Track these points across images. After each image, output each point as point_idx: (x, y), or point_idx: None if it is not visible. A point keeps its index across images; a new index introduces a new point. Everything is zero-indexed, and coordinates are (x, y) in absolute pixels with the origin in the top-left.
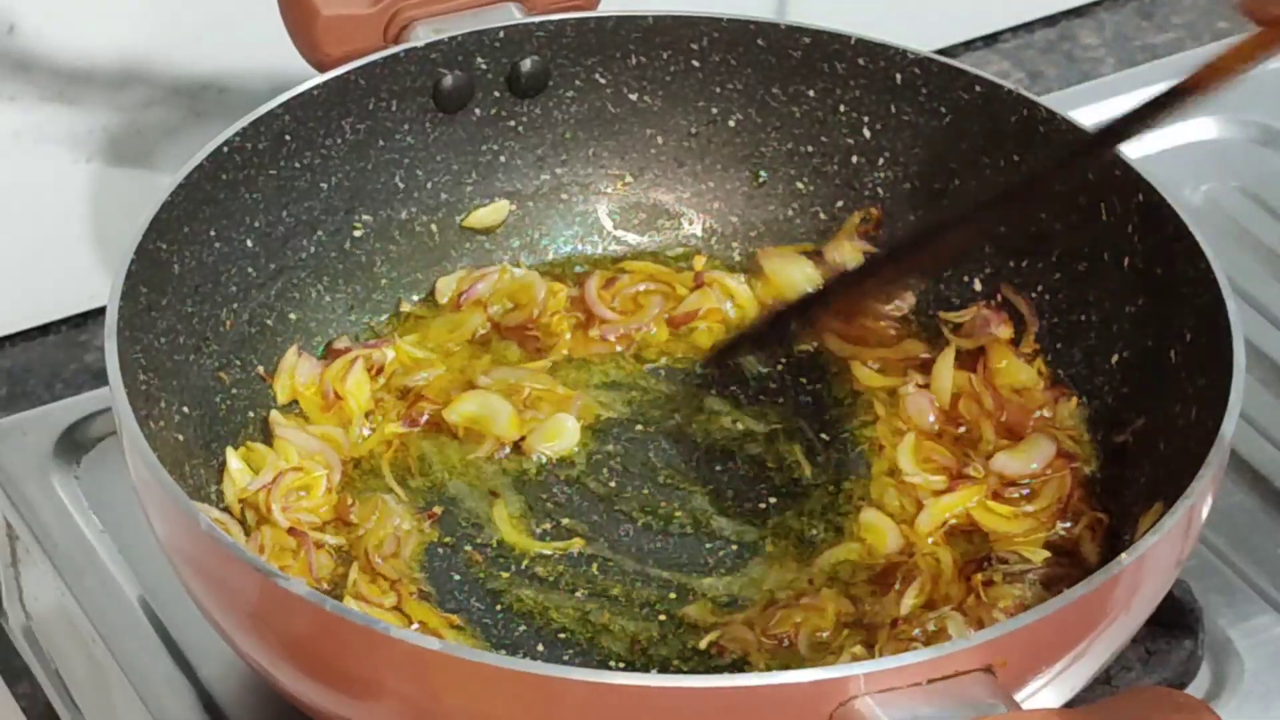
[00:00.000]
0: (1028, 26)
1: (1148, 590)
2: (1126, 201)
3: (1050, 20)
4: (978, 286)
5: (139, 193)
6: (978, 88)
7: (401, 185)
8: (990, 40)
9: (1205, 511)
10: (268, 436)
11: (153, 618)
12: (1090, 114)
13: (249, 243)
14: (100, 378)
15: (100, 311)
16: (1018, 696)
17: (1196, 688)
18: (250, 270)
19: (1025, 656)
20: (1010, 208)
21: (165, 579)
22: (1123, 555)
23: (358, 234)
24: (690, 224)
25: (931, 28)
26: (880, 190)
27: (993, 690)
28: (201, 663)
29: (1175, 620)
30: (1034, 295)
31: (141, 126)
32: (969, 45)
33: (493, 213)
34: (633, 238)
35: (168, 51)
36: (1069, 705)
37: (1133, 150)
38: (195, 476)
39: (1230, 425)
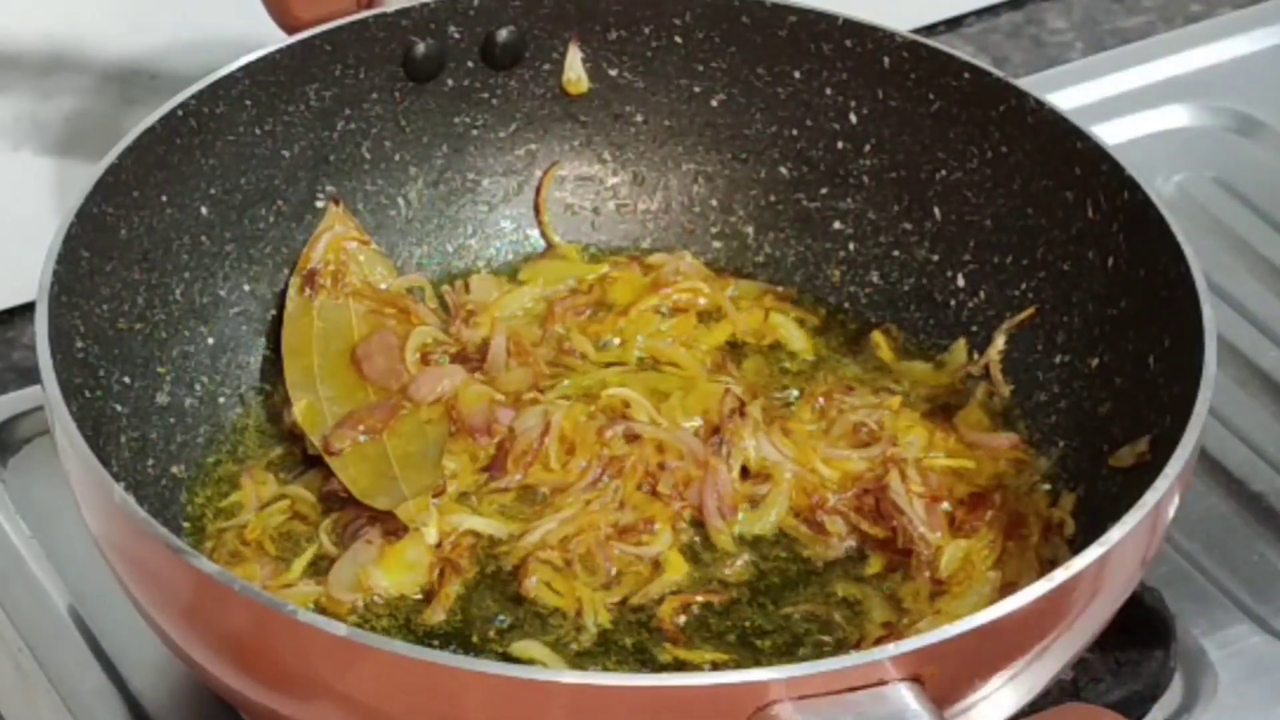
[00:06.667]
0: (993, 9)
1: (1100, 603)
2: (1113, 199)
3: (1016, 3)
4: (960, 282)
5: (69, 183)
6: (967, 75)
7: (368, 156)
8: (954, 24)
9: (1170, 517)
10: (213, 415)
11: (82, 626)
12: (1058, 101)
13: (204, 210)
14: (28, 378)
15: (29, 308)
16: (956, 707)
17: (1169, 700)
18: (204, 239)
19: (956, 668)
20: None
21: (95, 586)
22: (1056, 571)
23: (320, 206)
24: (669, 208)
25: (895, 10)
26: (865, 178)
27: (919, 701)
28: (132, 673)
29: (1146, 630)
30: (1017, 293)
31: (70, 114)
32: (932, 29)
33: None
34: (607, 220)
35: (97, 36)
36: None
37: (1105, 140)
38: (129, 449)
39: (1195, 433)
